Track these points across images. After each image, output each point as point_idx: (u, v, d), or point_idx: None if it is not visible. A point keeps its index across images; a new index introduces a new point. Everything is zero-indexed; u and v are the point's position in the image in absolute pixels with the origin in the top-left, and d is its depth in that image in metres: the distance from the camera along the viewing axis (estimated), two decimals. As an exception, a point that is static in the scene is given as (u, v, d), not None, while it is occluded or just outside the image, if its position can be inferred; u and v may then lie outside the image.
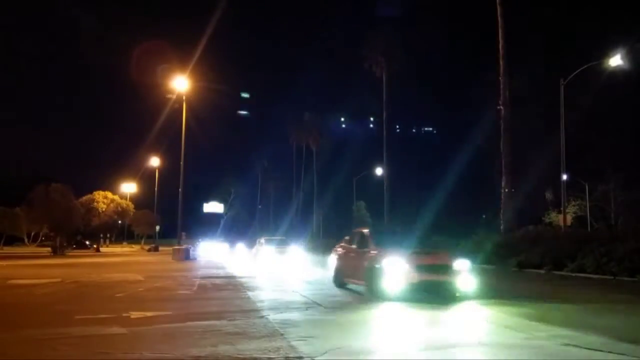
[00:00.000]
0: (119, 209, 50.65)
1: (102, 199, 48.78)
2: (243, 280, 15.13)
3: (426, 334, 6.83)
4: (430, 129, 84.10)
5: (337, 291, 11.74)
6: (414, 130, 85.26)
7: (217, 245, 48.96)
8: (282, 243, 26.87)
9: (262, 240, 28.02)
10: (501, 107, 27.20)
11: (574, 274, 16.26)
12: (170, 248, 34.27)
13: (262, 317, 7.90)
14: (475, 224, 35.17)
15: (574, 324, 7.12)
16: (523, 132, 35.91)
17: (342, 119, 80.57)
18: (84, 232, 52.42)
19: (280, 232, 61.95)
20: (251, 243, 49.07)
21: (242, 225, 79.58)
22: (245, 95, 77.56)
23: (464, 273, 9.93)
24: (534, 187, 41.20)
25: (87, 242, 53.02)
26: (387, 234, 14.02)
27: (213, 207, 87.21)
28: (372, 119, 67.23)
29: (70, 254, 37.51)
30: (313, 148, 62.89)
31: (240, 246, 44.22)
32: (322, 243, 41.61)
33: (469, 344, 6.13)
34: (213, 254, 38.43)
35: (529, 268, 18.67)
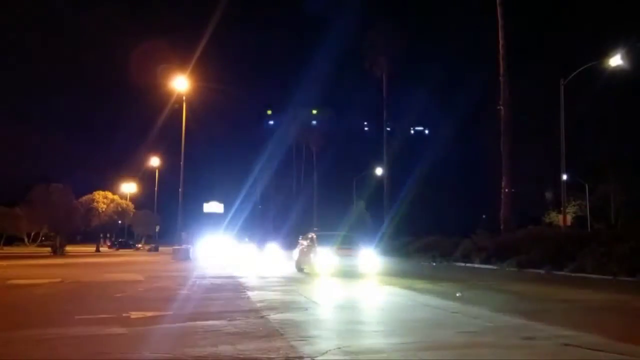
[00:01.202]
0: (119, 209, 50.62)
1: (102, 199, 48.75)
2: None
3: None
4: (421, 128, 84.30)
5: None
6: (413, 130, 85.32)
7: (234, 244, 41.58)
8: (346, 242, 17.66)
9: (312, 236, 18.63)
10: (501, 107, 27.22)
11: (573, 274, 16.27)
12: (170, 248, 34.23)
13: (262, 317, 7.91)
14: (475, 224, 35.16)
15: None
16: (523, 132, 35.95)
17: (342, 119, 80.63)
18: (84, 232, 52.58)
19: (281, 231, 61.88)
20: (286, 243, 41.79)
21: (243, 226, 79.52)
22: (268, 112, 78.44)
23: None
24: (534, 187, 41.26)
25: (130, 242, 57.35)
26: None
27: (213, 207, 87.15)
28: (371, 118, 67.34)
29: (70, 254, 37.48)
30: (313, 148, 62.90)
31: (273, 247, 35.87)
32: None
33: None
34: (225, 256, 33.27)
35: (529, 268, 18.69)
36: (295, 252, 19.98)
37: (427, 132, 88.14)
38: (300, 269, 18.74)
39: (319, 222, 60.17)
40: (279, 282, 14.60)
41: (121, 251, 50.58)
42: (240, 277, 16.21)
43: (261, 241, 40.92)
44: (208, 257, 32.28)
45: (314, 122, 62.80)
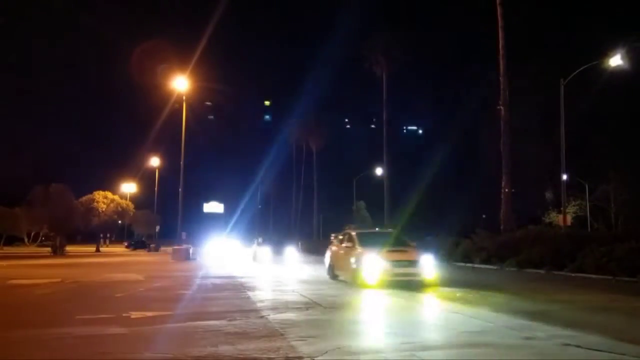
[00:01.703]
0: (119, 209, 50.68)
1: (102, 199, 48.81)
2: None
3: None
4: (421, 127, 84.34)
5: None
6: (413, 130, 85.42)
7: (239, 246, 39.89)
8: (399, 243, 14.05)
9: (351, 234, 14.80)
10: (501, 107, 27.23)
11: (573, 274, 16.27)
12: (170, 248, 34.22)
13: (261, 317, 7.91)
14: (475, 224, 35.16)
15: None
16: (523, 131, 35.95)
17: (342, 119, 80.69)
18: (84, 232, 52.64)
19: (279, 232, 61.74)
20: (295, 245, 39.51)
21: (243, 226, 79.63)
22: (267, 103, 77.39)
23: None
24: (534, 187, 41.26)
25: (151, 243, 56.92)
26: None
27: (213, 207, 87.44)
28: (372, 118, 67.36)
29: (70, 254, 37.48)
30: (313, 148, 62.87)
31: (291, 250, 32.06)
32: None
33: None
34: (235, 259, 31.36)
35: (529, 268, 18.69)
36: (327, 255, 16.04)
37: (427, 131, 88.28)
38: (334, 276, 15.10)
39: (320, 223, 60.30)
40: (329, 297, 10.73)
41: (137, 251, 51.17)
42: (243, 279, 16.19)
43: (277, 243, 37.10)
44: (212, 258, 31.77)
45: (314, 122, 62.46)
